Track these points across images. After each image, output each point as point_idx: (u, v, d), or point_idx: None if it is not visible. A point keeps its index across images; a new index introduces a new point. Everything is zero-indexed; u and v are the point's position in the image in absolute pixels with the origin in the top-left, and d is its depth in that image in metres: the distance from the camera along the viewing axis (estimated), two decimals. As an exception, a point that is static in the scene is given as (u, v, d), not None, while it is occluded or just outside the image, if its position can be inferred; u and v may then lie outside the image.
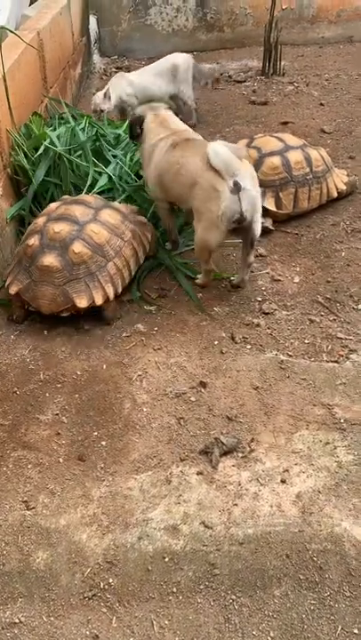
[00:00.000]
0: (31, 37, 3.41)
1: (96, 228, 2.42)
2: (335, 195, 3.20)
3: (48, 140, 2.93)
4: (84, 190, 2.87)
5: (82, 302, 2.35)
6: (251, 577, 1.56)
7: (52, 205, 2.58)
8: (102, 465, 1.88)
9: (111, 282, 2.41)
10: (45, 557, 1.62)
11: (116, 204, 2.67)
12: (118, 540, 1.65)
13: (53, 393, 2.15)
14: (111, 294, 2.41)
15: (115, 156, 3.13)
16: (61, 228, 2.38)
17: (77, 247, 2.35)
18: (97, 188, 2.91)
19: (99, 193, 2.89)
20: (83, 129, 3.24)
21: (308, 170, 3.06)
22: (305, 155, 3.08)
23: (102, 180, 2.96)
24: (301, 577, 1.55)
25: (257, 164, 3.02)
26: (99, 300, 2.37)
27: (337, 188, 3.19)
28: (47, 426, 2.03)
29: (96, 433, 1.99)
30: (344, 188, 3.23)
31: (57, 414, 2.07)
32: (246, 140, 3.19)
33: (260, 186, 3.00)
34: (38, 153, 2.89)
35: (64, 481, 1.84)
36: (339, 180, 3.22)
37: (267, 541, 1.62)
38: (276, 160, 3.01)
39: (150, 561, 1.60)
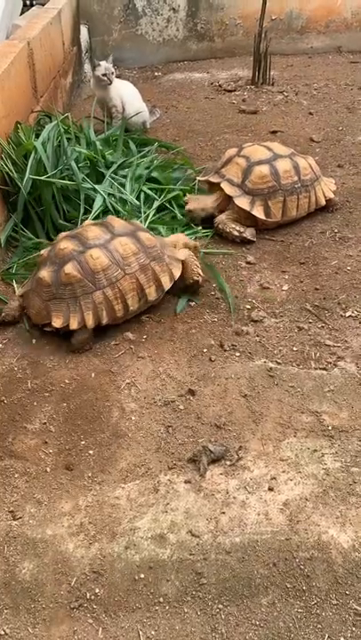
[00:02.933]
0: (21, 47, 3.43)
1: (96, 253, 2.37)
2: (323, 203, 3.22)
3: (35, 155, 2.92)
4: (79, 218, 2.88)
5: (57, 322, 2.35)
6: (238, 586, 1.55)
7: (87, 222, 2.62)
8: (90, 474, 1.87)
9: (93, 310, 2.36)
10: (31, 568, 1.61)
11: (146, 234, 2.55)
12: (105, 550, 1.64)
13: (41, 402, 2.15)
14: (90, 322, 2.34)
15: (113, 175, 3.15)
16: (66, 246, 2.39)
17: (68, 268, 2.34)
18: (93, 212, 2.90)
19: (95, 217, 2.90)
20: (70, 139, 3.27)
21: (296, 178, 3.09)
22: (293, 163, 3.11)
23: (98, 201, 2.96)
24: (288, 585, 1.55)
25: (246, 173, 3.04)
26: (73, 325, 2.34)
27: (325, 197, 3.22)
28: (35, 435, 2.02)
29: (84, 442, 1.98)
30: (332, 196, 3.26)
31: (45, 423, 2.06)
32: (235, 149, 3.21)
33: (249, 194, 3.05)
34: (29, 163, 2.89)
35: (51, 490, 1.83)
36: (327, 188, 3.25)
37: (254, 550, 1.62)
38: (264, 169, 3.04)
39: (137, 570, 1.59)
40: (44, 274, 2.38)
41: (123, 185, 3.16)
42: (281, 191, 3.05)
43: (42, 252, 2.53)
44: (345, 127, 4.35)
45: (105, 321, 2.40)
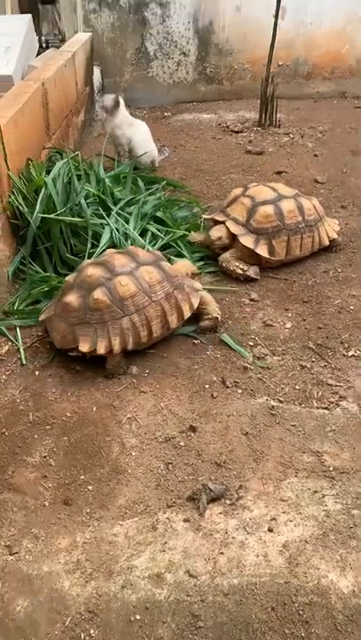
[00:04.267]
0: (36, 87, 3.55)
1: (125, 280, 2.43)
2: (327, 243, 3.27)
3: (45, 191, 2.99)
4: (86, 252, 2.95)
5: (84, 346, 2.38)
6: (235, 630, 1.53)
7: (109, 251, 2.68)
8: (88, 510, 1.86)
9: (120, 336, 2.40)
10: (26, 605, 1.59)
11: (168, 264, 2.63)
12: (101, 589, 1.62)
13: (42, 435, 2.15)
14: (116, 347, 2.39)
15: (119, 212, 3.22)
16: (93, 273, 2.45)
17: (98, 294, 2.39)
18: (100, 247, 2.96)
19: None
20: (79, 176, 3.35)
21: (300, 218, 3.14)
22: (297, 204, 3.17)
23: (105, 236, 3.02)
24: (287, 631, 1.52)
25: (250, 212, 3.10)
26: (100, 349, 2.38)
27: (329, 237, 3.27)
28: (34, 468, 2.01)
29: (83, 477, 1.97)
30: (336, 236, 3.31)
31: (45, 456, 2.06)
32: (241, 189, 3.28)
33: (254, 233, 3.10)
34: (40, 198, 2.96)
35: (49, 525, 1.81)
36: (330, 228, 3.30)
37: (252, 592, 1.59)
38: (269, 209, 3.10)
39: (133, 611, 1.57)
40: (72, 299, 2.42)
41: (128, 221, 3.22)
42: (285, 230, 3.11)
43: (67, 278, 2.58)
44: (349, 169, 4.44)
45: (130, 347, 2.44)
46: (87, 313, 2.40)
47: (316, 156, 4.71)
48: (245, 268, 3.09)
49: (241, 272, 3.08)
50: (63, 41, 5.75)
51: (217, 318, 2.68)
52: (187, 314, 2.57)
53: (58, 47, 5.41)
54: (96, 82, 5.83)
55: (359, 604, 1.57)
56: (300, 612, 1.55)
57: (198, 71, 6.06)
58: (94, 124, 5.57)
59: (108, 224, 3.11)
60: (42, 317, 2.58)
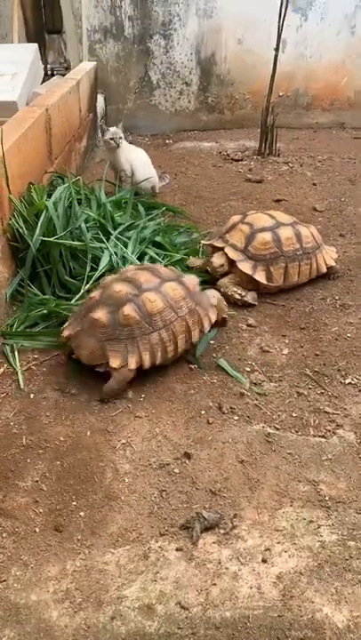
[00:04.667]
0: (40, 113, 3.61)
1: (153, 296, 2.47)
2: (325, 270, 3.29)
3: (46, 214, 3.02)
4: (85, 275, 2.97)
5: (115, 362, 2.39)
6: (227, 665, 1.48)
7: (130, 267, 2.74)
8: (79, 537, 1.83)
9: (150, 351, 2.44)
10: (12, 636, 1.54)
11: (187, 279, 2.68)
12: (90, 620, 1.57)
13: (35, 459, 2.12)
14: (146, 363, 2.43)
15: (119, 236, 3.25)
16: (121, 289, 2.48)
17: (127, 310, 2.42)
18: (99, 270, 2.99)
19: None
20: (80, 200, 3.39)
21: (298, 246, 3.16)
22: (295, 231, 3.19)
23: (104, 260, 3.04)
24: (280, 667, 1.48)
25: (249, 239, 3.13)
26: (132, 364, 2.40)
27: (326, 264, 3.29)
28: (26, 493, 1.98)
29: (75, 503, 1.94)
30: (333, 264, 3.32)
31: (37, 481, 2.03)
32: (239, 216, 3.31)
33: (252, 259, 3.12)
34: (40, 221, 2.98)
35: (39, 552, 1.78)
36: (328, 256, 3.32)
37: (245, 626, 1.55)
38: (267, 236, 3.12)
39: (122, 644, 1.53)
40: (101, 315, 2.43)
41: (126, 245, 3.24)
42: (283, 257, 3.12)
43: (92, 294, 2.58)
44: (347, 198, 4.49)
45: (159, 361, 2.47)
46: (117, 329, 2.42)
47: (314, 184, 4.77)
48: (243, 293, 3.10)
49: (239, 297, 3.09)
50: (68, 69, 5.87)
51: (225, 319, 2.81)
52: (207, 328, 2.65)
53: (63, 75, 5.52)
54: (99, 109, 5.94)
55: (354, 639, 1.53)
56: (294, 648, 1.51)
57: (200, 100, 6.17)
58: (96, 150, 5.65)
59: (108, 248, 3.13)
60: (66, 333, 2.54)
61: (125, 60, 5.92)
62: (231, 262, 3.14)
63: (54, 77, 5.56)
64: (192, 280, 2.70)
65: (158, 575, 1.69)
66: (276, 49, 5.09)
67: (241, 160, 5.33)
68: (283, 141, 5.65)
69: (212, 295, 2.74)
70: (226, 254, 3.15)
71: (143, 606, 1.60)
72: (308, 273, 3.23)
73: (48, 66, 5.89)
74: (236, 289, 3.11)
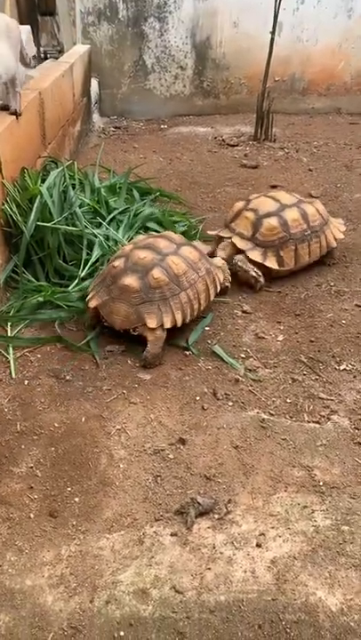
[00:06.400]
0: (33, 96, 3.55)
1: (176, 259, 2.64)
2: (335, 245, 3.27)
3: (40, 199, 2.98)
4: (82, 260, 2.96)
5: (152, 323, 2.52)
6: (221, 648, 1.49)
7: (140, 237, 2.86)
8: (74, 522, 1.83)
9: (181, 310, 2.60)
10: (7, 621, 1.55)
11: (196, 243, 2.91)
12: (85, 604, 1.58)
13: (29, 445, 2.11)
14: (179, 321, 2.59)
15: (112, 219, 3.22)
16: (145, 255, 2.61)
17: (157, 273, 2.56)
18: (94, 256, 2.98)
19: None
20: (74, 185, 3.35)
21: (305, 226, 3.14)
22: (301, 212, 3.16)
23: (96, 249, 3.02)
24: (274, 650, 1.49)
25: (255, 226, 3.10)
26: (167, 324, 2.54)
27: (335, 238, 3.26)
28: (20, 479, 1.98)
29: (70, 488, 1.94)
30: (342, 237, 3.30)
31: (31, 467, 2.02)
32: (243, 202, 3.27)
33: (261, 246, 3.10)
34: (35, 206, 2.94)
35: (33, 538, 1.78)
36: (336, 230, 3.30)
37: (239, 610, 1.56)
38: (273, 221, 3.09)
39: (117, 627, 1.53)
40: (131, 281, 2.55)
41: (117, 230, 3.22)
42: (292, 240, 3.10)
43: (114, 263, 2.64)
44: (343, 184, 4.47)
45: (188, 319, 2.65)
46: (148, 292, 2.55)
47: (310, 170, 4.74)
48: (260, 273, 3.07)
49: (256, 275, 3.05)
50: (62, 52, 5.79)
51: (227, 286, 2.97)
52: (218, 288, 2.85)
53: (56, 58, 5.44)
54: (93, 93, 5.86)
55: (347, 622, 1.54)
56: (288, 631, 1.52)
57: (195, 85, 6.10)
58: (91, 135, 5.60)
59: (99, 234, 3.10)
60: (93, 304, 2.61)
61: (120, 43, 5.83)
62: (240, 251, 3.11)
63: (47, 61, 5.48)
64: (201, 244, 2.94)
65: (153, 560, 1.70)
66: (273, 32, 5.03)
67: (237, 145, 5.29)
68: (279, 127, 5.60)
69: (217, 259, 2.97)
70: (233, 244, 3.12)
71: (138, 591, 1.61)
72: (318, 251, 3.20)
73: (41, 49, 5.80)
74: (253, 266, 3.06)
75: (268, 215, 3.12)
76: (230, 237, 3.15)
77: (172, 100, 6.13)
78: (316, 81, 6.12)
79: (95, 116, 5.92)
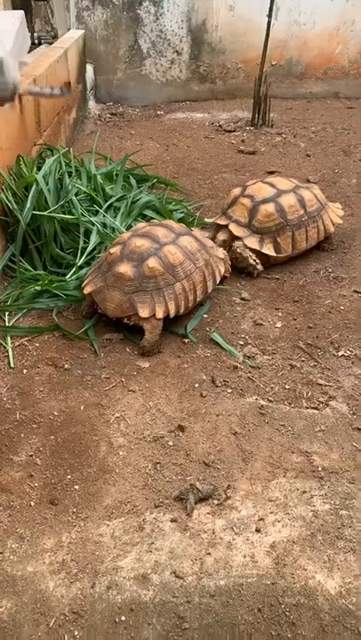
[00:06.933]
0: (27, 83, 3.51)
1: (173, 249, 2.62)
2: (332, 229, 3.26)
3: (36, 187, 2.96)
4: (79, 249, 2.94)
5: (144, 312, 2.51)
6: (221, 632, 1.51)
7: (139, 225, 2.82)
8: (74, 510, 1.84)
9: (175, 300, 2.58)
10: (10, 607, 1.56)
11: (197, 233, 2.87)
12: (86, 590, 1.60)
13: (29, 433, 2.12)
14: (172, 312, 2.57)
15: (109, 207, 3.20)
16: (142, 243, 2.60)
17: (152, 262, 2.54)
18: (91, 244, 2.97)
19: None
20: (70, 173, 3.33)
21: (302, 212, 3.12)
22: (298, 197, 3.14)
23: (94, 233, 3.01)
24: (273, 633, 1.50)
25: (252, 213, 3.09)
26: (159, 314, 2.52)
27: (333, 223, 3.25)
28: (20, 467, 1.99)
29: (70, 476, 1.95)
30: (340, 222, 3.28)
31: (31, 455, 2.03)
32: (240, 189, 3.25)
33: (257, 233, 3.09)
34: (30, 195, 2.92)
35: (34, 525, 1.79)
36: (334, 214, 3.28)
37: (239, 594, 1.58)
38: (270, 207, 3.07)
39: (118, 612, 1.55)
40: (127, 269, 2.53)
41: (115, 218, 3.21)
42: (289, 227, 3.09)
43: (111, 250, 2.63)
44: (341, 170, 4.44)
45: (182, 310, 2.62)
46: (143, 281, 2.54)
47: (308, 155, 4.71)
48: (258, 260, 3.07)
49: (254, 262, 3.05)
50: (55, 38, 5.71)
51: (226, 276, 2.99)
52: (218, 279, 2.82)
53: (50, 44, 5.37)
54: (89, 79, 5.81)
55: (346, 605, 1.56)
56: (287, 614, 1.54)
57: (191, 70, 6.04)
58: (86, 122, 5.55)
59: (96, 221, 3.09)
60: (88, 290, 2.62)
61: (114, 27, 5.76)
62: (236, 238, 3.10)
63: (42, 46, 5.41)
64: (202, 234, 2.89)
65: (153, 546, 1.71)
66: (269, 15, 4.97)
67: (234, 131, 5.25)
68: (276, 112, 5.56)
69: (220, 250, 2.92)
70: (230, 231, 3.11)
71: (138, 576, 1.62)
72: (316, 236, 3.19)
73: (35, 34, 5.70)
74: (251, 253, 3.06)
75: (265, 201, 3.10)
76: (227, 224, 3.13)
77: (168, 85, 6.07)
78: (313, 65, 6.06)
79: (91, 103, 5.87)
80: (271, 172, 4.35)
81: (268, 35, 5.07)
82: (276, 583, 1.60)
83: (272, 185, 3.19)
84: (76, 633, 1.51)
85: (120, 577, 1.63)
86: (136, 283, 2.54)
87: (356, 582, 1.60)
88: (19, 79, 3.20)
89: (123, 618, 1.54)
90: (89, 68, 5.80)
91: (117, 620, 1.53)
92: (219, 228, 3.21)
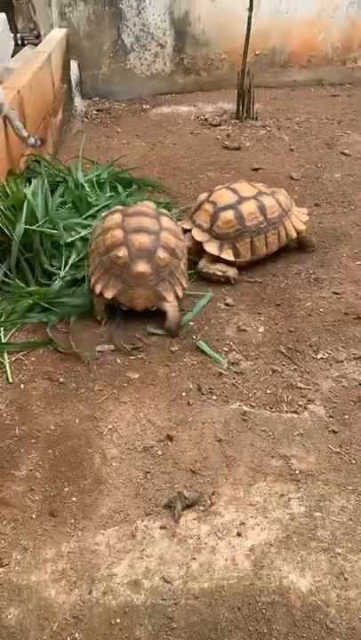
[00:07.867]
0: (12, 96, 3.60)
1: (165, 235, 2.89)
2: (295, 235, 3.37)
3: (28, 205, 3.08)
4: (62, 263, 3.07)
5: (170, 297, 2.86)
6: (205, 629, 1.69)
7: (116, 217, 2.92)
8: (72, 520, 2.01)
9: (184, 277, 2.97)
10: (17, 614, 1.75)
11: (163, 210, 3.11)
12: (84, 596, 1.78)
13: (28, 448, 2.29)
14: (185, 285, 2.96)
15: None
16: (144, 240, 2.83)
17: (161, 254, 2.83)
18: (72, 259, 3.12)
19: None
20: (59, 183, 3.44)
21: (261, 219, 3.23)
22: (259, 204, 3.25)
23: (74, 251, 3.14)
24: (251, 628, 1.69)
25: (213, 219, 3.22)
26: (179, 293, 2.91)
27: (296, 229, 3.36)
28: (22, 482, 2.16)
29: (67, 488, 2.12)
30: (303, 227, 3.39)
31: (31, 470, 2.20)
32: (206, 194, 3.38)
33: (217, 238, 3.22)
34: (24, 212, 3.04)
35: (36, 537, 1.97)
36: (297, 220, 3.38)
37: (221, 595, 1.76)
38: (229, 214, 3.20)
39: (114, 615, 1.73)
40: (145, 268, 2.80)
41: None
42: (247, 233, 3.21)
43: (118, 253, 2.79)
44: (323, 164, 4.53)
45: (186, 285, 3.03)
46: (159, 272, 2.84)
47: (292, 150, 4.79)
48: (224, 269, 3.19)
49: (221, 274, 3.18)
50: (39, 37, 5.73)
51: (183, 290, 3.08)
52: (184, 288, 3.01)
53: (35, 44, 5.40)
54: (74, 76, 5.84)
55: (316, 601, 1.74)
56: (263, 611, 1.72)
57: (176, 62, 6.06)
58: (73, 120, 5.60)
59: (77, 233, 3.20)
60: (110, 295, 2.82)
61: (97, 23, 5.77)
62: (199, 242, 3.23)
63: (26, 48, 5.44)
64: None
65: (144, 553, 1.89)
66: (251, 5, 4.99)
67: (219, 125, 5.31)
68: (261, 102, 5.60)
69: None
70: (192, 236, 3.23)
71: (131, 582, 1.81)
72: (276, 242, 3.30)
73: (18, 35, 5.74)
74: (216, 266, 3.20)
75: (225, 208, 3.22)
76: (191, 229, 3.26)
77: (153, 78, 6.10)
78: (296, 53, 6.08)
79: (77, 100, 5.90)
80: (256, 169, 4.44)
81: (249, 24, 5.09)
82: (253, 584, 1.78)
83: (235, 191, 3.29)
84: (76, 635, 1.70)
85: (115, 583, 1.81)
86: (155, 276, 2.83)
87: (325, 580, 1.79)
88: (2, 98, 3.29)
89: (118, 620, 1.72)
90: (73, 65, 5.82)
91: (113, 622, 1.72)
92: (185, 232, 3.34)
